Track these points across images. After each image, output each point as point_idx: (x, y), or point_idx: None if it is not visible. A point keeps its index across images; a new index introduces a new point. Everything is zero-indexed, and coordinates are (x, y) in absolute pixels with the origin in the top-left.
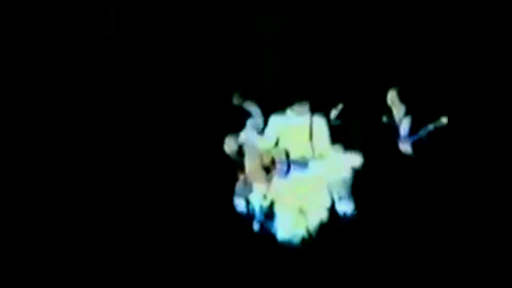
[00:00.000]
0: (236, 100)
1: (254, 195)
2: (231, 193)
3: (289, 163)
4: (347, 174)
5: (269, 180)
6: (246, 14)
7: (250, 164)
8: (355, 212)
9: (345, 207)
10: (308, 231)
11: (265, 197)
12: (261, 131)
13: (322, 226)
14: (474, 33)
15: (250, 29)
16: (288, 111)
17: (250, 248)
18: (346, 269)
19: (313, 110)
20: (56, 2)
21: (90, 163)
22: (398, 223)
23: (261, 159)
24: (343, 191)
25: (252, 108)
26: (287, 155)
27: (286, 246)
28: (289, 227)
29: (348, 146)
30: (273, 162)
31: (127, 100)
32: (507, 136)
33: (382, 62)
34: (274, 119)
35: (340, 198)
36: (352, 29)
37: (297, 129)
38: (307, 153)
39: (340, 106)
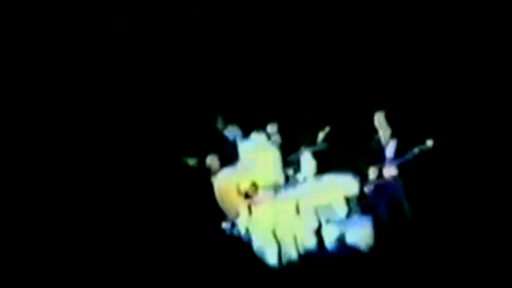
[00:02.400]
0: (219, 125)
1: (239, 219)
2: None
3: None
4: (335, 197)
5: (250, 205)
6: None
7: (227, 189)
8: (343, 235)
9: (333, 230)
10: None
11: (246, 221)
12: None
13: (308, 249)
14: (460, 57)
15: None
16: (265, 134)
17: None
18: None
19: (297, 133)
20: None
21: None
22: (386, 245)
23: (238, 184)
24: (331, 214)
25: (234, 132)
26: (269, 180)
27: (268, 269)
28: (267, 250)
29: (336, 168)
30: (254, 187)
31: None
32: (492, 159)
33: (368, 85)
34: (249, 143)
35: (327, 222)
36: (339, 51)
37: (275, 153)
38: (291, 177)
39: (327, 129)
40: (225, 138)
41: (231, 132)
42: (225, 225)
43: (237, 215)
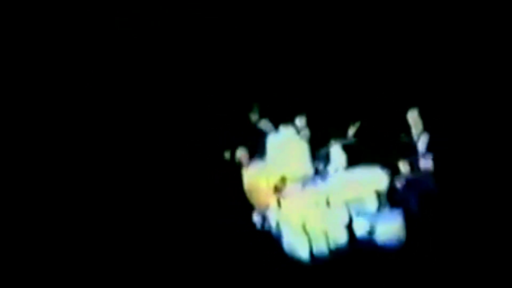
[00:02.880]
0: (253, 118)
1: (269, 213)
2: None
3: (303, 181)
4: (365, 191)
5: (279, 198)
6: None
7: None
8: (374, 229)
9: (364, 224)
10: (322, 248)
11: (276, 215)
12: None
13: (338, 244)
14: (495, 52)
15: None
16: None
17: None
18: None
19: (329, 128)
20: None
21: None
22: (420, 241)
23: (267, 178)
24: (361, 208)
25: (265, 125)
26: (298, 173)
27: (299, 264)
28: (298, 245)
29: (366, 162)
30: (283, 180)
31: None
32: None
33: (400, 79)
34: (279, 136)
35: (358, 215)
36: (369, 45)
37: (304, 147)
38: (321, 171)
39: (357, 124)
40: (256, 131)
41: (262, 125)
42: (256, 218)
43: (266, 209)
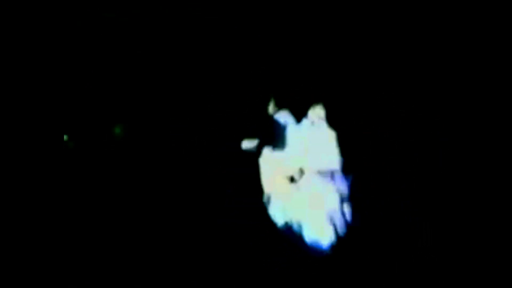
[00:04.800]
0: (271, 109)
1: (279, 205)
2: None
3: (320, 173)
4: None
5: (293, 190)
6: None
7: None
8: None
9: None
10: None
11: (289, 207)
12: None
13: (348, 235)
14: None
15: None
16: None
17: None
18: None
19: (340, 119)
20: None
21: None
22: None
23: (285, 169)
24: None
25: (284, 116)
26: (313, 165)
27: (316, 253)
28: (317, 235)
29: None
30: (300, 172)
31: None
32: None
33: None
34: (297, 128)
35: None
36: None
37: (321, 138)
38: (334, 163)
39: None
40: (275, 122)
41: (282, 116)
42: (270, 208)
43: (282, 199)
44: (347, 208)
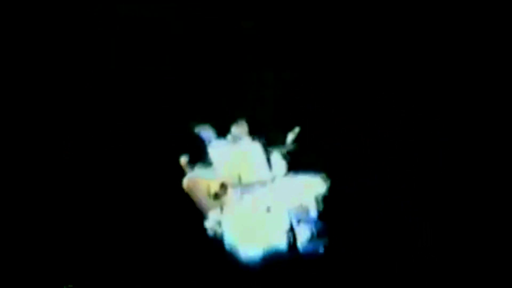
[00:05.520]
0: (192, 124)
1: (210, 222)
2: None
3: (243, 187)
4: (306, 197)
5: (220, 205)
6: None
7: (197, 190)
8: (315, 235)
9: (305, 230)
10: (263, 254)
11: (219, 223)
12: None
13: (279, 249)
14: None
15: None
16: (230, 135)
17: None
18: None
19: (263, 134)
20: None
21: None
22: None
23: (208, 186)
24: (302, 215)
25: (206, 131)
26: (239, 179)
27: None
28: (245, 251)
29: (305, 169)
30: (223, 187)
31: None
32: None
33: (343, 85)
34: (219, 143)
35: (299, 222)
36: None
37: (245, 153)
38: (261, 177)
39: (296, 129)
40: (197, 137)
41: (203, 131)
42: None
43: (209, 215)
44: (272, 221)
